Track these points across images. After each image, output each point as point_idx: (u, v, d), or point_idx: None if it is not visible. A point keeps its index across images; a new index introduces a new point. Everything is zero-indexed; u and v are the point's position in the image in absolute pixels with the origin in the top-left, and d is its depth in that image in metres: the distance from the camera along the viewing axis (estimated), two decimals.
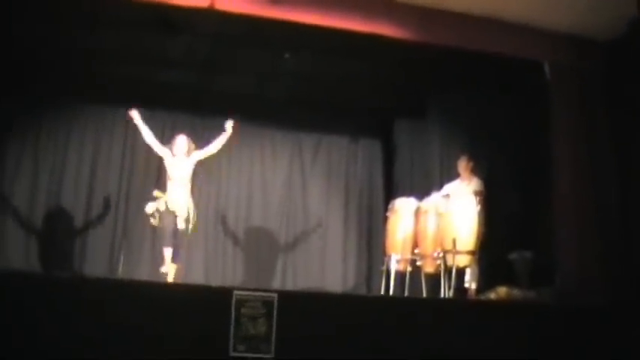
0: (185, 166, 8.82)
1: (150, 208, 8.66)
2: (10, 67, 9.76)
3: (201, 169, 9.81)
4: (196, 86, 10.67)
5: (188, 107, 10.97)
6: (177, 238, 8.62)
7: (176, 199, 8.62)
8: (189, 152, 8.90)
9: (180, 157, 8.83)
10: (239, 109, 10.93)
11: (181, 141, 8.92)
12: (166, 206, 8.58)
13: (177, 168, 8.79)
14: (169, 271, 8.48)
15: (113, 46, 9.49)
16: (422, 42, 7.98)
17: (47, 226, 10.25)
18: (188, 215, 8.68)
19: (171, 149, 8.91)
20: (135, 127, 10.66)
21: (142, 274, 9.98)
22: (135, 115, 9.03)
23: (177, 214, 8.57)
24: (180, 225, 8.59)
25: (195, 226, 8.87)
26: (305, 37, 8.58)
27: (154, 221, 8.70)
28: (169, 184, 8.77)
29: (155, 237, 10.08)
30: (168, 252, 8.52)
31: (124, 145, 10.82)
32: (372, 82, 10.51)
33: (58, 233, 10.25)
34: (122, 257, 10.34)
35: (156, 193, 8.71)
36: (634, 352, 6.51)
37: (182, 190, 8.72)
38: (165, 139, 10.69)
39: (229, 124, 9.14)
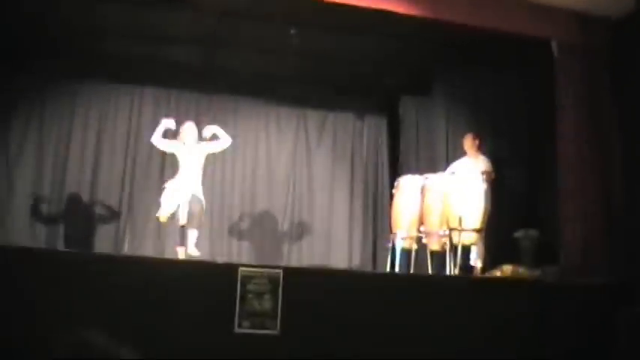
0: (196, 154, 8.69)
1: (163, 216, 8.50)
2: (13, 46, 9.74)
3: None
4: (201, 63, 10.63)
5: (193, 84, 10.93)
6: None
7: (187, 188, 8.48)
8: (198, 138, 8.78)
9: (190, 145, 8.68)
10: (244, 86, 10.95)
11: (190, 129, 8.77)
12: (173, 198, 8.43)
13: (188, 157, 8.64)
14: (193, 253, 8.40)
15: (116, 23, 9.45)
16: (429, 18, 7.92)
17: (53, 205, 10.26)
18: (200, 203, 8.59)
19: (179, 138, 8.77)
20: (140, 107, 10.71)
21: (147, 252, 10.00)
22: (167, 123, 8.83)
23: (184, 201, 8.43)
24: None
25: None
26: (311, 13, 8.55)
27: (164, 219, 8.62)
28: (181, 173, 8.62)
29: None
30: (193, 234, 8.42)
31: (128, 123, 10.80)
32: (378, 59, 10.47)
33: (64, 213, 10.27)
34: (127, 235, 10.37)
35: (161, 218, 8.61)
36: (636, 329, 6.52)
37: (194, 178, 8.60)
38: (170, 118, 10.72)
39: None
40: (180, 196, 8.37)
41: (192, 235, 8.44)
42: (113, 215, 10.42)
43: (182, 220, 8.35)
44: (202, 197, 8.58)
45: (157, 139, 8.76)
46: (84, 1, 8.84)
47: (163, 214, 8.39)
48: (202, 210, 8.62)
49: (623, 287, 6.97)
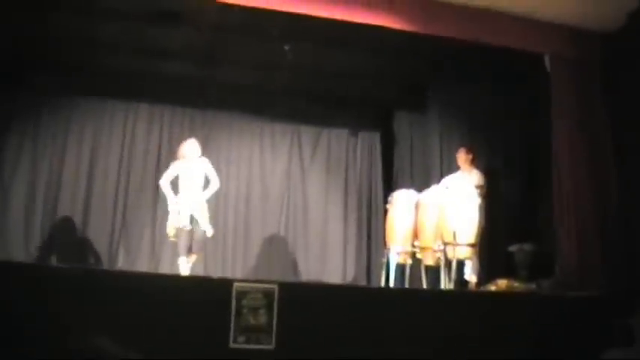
0: (198, 170, 8.73)
1: (171, 230, 8.58)
2: (8, 59, 9.73)
3: None
4: (195, 78, 10.63)
5: (187, 100, 10.94)
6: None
7: (190, 204, 8.52)
8: (200, 155, 8.84)
9: (192, 162, 8.74)
10: (238, 101, 10.96)
11: (192, 145, 8.83)
12: (182, 218, 8.49)
13: (190, 173, 8.68)
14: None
15: (111, 39, 9.47)
16: (422, 33, 7.96)
17: (47, 219, 10.23)
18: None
19: (180, 154, 8.83)
20: (134, 122, 10.72)
21: (142, 266, 9.98)
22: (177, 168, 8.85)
23: (194, 218, 8.51)
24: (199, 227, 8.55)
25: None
26: (305, 29, 8.58)
27: (173, 239, 8.65)
28: (182, 189, 8.66)
29: (154, 229, 10.12)
30: (183, 262, 8.44)
31: (122, 138, 10.80)
32: (372, 74, 10.51)
33: (58, 226, 10.23)
34: (121, 251, 10.35)
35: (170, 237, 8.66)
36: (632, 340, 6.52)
37: (196, 193, 8.64)
38: (164, 133, 10.73)
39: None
40: (185, 213, 8.44)
41: (190, 259, 8.51)
42: (107, 227, 10.39)
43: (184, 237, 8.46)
44: (206, 214, 8.62)
45: (164, 183, 8.78)
46: (77, 16, 8.85)
47: (171, 233, 8.50)
48: (204, 234, 8.64)
49: (618, 299, 6.97)
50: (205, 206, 8.68)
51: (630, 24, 7.97)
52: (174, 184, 8.80)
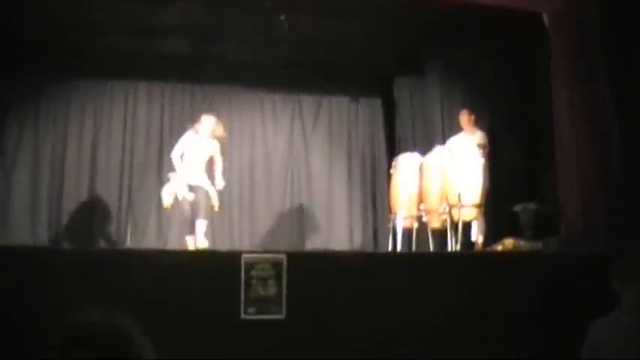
0: (205, 148, 8.74)
1: (167, 199, 8.58)
2: (6, 46, 9.72)
3: None
4: (193, 54, 10.62)
5: (186, 76, 10.92)
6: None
7: (193, 179, 8.54)
8: (213, 133, 8.81)
9: (203, 138, 8.73)
10: (237, 75, 10.95)
11: (208, 121, 8.81)
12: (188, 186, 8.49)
13: (198, 148, 8.69)
14: (202, 244, 8.44)
15: (105, 18, 9.44)
16: None
17: (53, 204, 10.27)
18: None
19: (194, 127, 8.82)
20: (135, 100, 10.73)
21: (150, 245, 10.03)
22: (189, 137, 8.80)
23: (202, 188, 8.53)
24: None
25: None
26: None
27: (168, 207, 8.68)
28: (186, 163, 8.64)
29: (161, 207, 10.12)
30: (202, 225, 8.45)
31: (124, 117, 10.83)
32: (369, 41, 10.47)
33: (64, 209, 10.27)
34: (129, 229, 10.39)
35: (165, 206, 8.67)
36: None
37: (199, 168, 8.65)
38: (165, 111, 10.73)
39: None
40: (184, 185, 8.44)
41: (202, 225, 8.47)
42: (114, 208, 10.44)
43: (186, 209, 8.46)
44: (209, 187, 8.60)
45: (175, 155, 8.73)
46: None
47: (167, 202, 8.46)
48: (209, 199, 8.61)
49: (621, 257, 6.99)
50: (206, 182, 8.66)
51: None
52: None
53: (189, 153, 8.65)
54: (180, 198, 8.45)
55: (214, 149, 8.82)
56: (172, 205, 8.55)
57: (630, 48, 7.87)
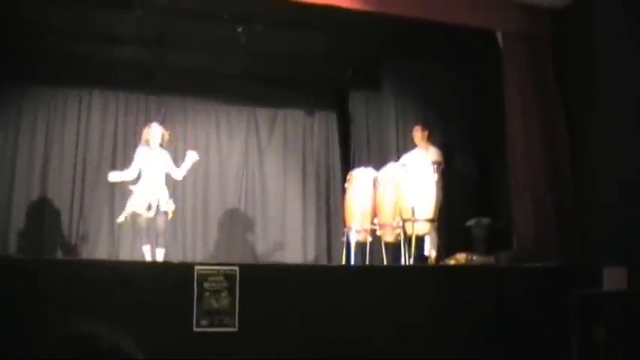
0: (159, 159, 8.61)
1: (124, 215, 8.42)
2: None
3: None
4: (149, 63, 10.53)
5: (142, 85, 10.81)
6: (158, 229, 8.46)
7: (152, 191, 8.38)
8: (164, 141, 8.70)
9: (155, 148, 8.61)
10: (193, 85, 10.90)
11: (155, 130, 8.69)
12: (140, 205, 8.32)
13: (153, 159, 8.55)
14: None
15: (61, 23, 9.30)
16: (374, 12, 7.97)
17: (2, 211, 10.07)
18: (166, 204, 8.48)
19: (144, 140, 8.68)
20: (88, 108, 10.59)
21: (101, 255, 9.91)
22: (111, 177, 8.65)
23: (153, 205, 8.33)
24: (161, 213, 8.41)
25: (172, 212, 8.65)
26: (257, 11, 8.56)
27: (123, 223, 8.56)
28: (144, 176, 8.49)
29: (113, 217, 9.99)
30: (147, 250, 8.33)
31: (77, 124, 10.65)
32: (325, 54, 10.50)
33: (13, 218, 10.08)
34: (80, 238, 10.25)
35: (121, 219, 8.53)
36: (585, 310, 6.70)
37: (158, 180, 8.51)
38: (119, 120, 10.63)
39: (193, 155, 8.83)
40: (147, 199, 8.31)
41: (160, 254, 8.41)
42: (65, 218, 10.28)
43: (141, 221, 8.33)
44: (169, 203, 8.50)
45: (114, 176, 8.62)
46: (25, 2, 8.70)
47: (122, 219, 8.41)
48: (167, 223, 8.56)
49: (574, 270, 7.13)
50: (167, 196, 8.56)
51: (580, 0, 8.09)
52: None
53: (147, 168, 8.50)
54: (140, 212, 8.31)
55: (167, 158, 8.73)
56: (128, 219, 8.42)
57: (581, 66, 8.02)
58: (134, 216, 8.36)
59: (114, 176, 8.57)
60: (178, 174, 8.77)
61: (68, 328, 1.46)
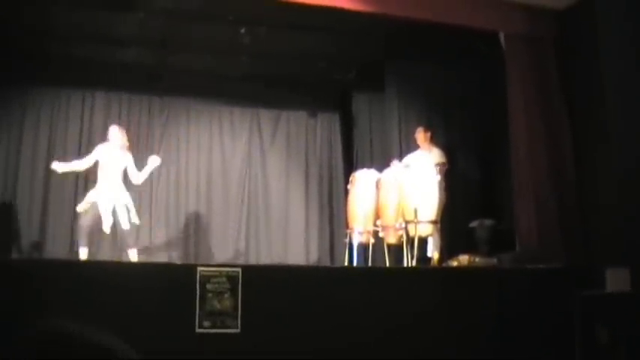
0: (120, 160, 8.56)
1: (82, 207, 8.40)
2: None
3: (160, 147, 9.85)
4: (152, 65, 10.54)
5: (145, 86, 10.83)
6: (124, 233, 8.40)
7: (110, 193, 8.35)
8: (123, 144, 8.66)
9: (115, 150, 8.57)
10: (196, 86, 10.91)
11: (115, 133, 8.67)
12: (96, 203, 8.28)
13: (111, 161, 8.51)
14: None
15: (65, 26, 9.32)
16: (378, 13, 7.98)
17: (5, 212, 10.08)
18: (127, 206, 8.42)
19: (107, 142, 8.68)
20: (91, 110, 10.60)
21: (104, 256, 9.89)
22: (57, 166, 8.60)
23: (110, 207, 8.28)
24: (123, 219, 8.32)
25: (135, 214, 8.59)
26: (260, 12, 8.57)
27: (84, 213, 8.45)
28: (102, 176, 8.47)
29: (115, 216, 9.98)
30: (84, 252, 8.24)
31: (80, 126, 10.68)
32: (328, 56, 10.51)
33: (17, 218, 10.09)
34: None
35: (80, 208, 8.49)
36: (588, 311, 6.68)
37: (117, 182, 8.48)
38: (122, 122, 10.63)
39: (155, 160, 8.80)
40: (104, 204, 8.25)
41: (133, 254, 8.38)
42: (67, 218, 10.27)
43: (106, 228, 8.25)
44: (130, 206, 8.45)
45: (78, 164, 8.66)
46: (29, 4, 8.72)
47: (82, 208, 8.37)
48: (131, 225, 8.46)
49: (577, 271, 7.12)
50: (129, 196, 8.55)
51: (583, 1, 8.08)
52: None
53: (105, 167, 8.48)
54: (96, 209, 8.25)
55: (128, 160, 8.66)
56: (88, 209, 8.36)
57: (584, 66, 8.01)
58: (94, 207, 8.30)
59: (60, 166, 8.56)
60: (138, 178, 8.69)
61: (62, 329, 1.45)
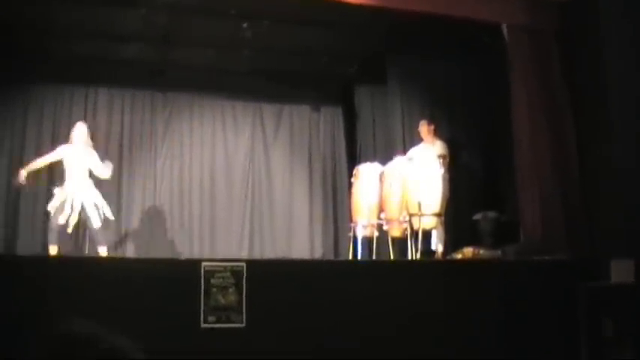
0: (84, 158, 8.50)
1: (52, 206, 8.37)
2: None
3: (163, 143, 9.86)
4: (154, 60, 10.53)
5: (147, 82, 10.82)
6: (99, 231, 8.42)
7: (79, 192, 8.33)
8: (86, 142, 8.62)
9: (79, 147, 8.53)
10: (198, 82, 10.90)
11: (81, 130, 8.66)
12: (65, 202, 8.27)
13: (77, 158, 8.46)
14: None
15: (66, 22, 9.31)
16: (380, 7, 7.97)
17: (9, 209, 10.09)
18: (96, 205, 8.41)
19: (70, 139, 8.65)
20: (94, 106, 10.58)
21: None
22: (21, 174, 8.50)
23: (78, 206, 8.27)
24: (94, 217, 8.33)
25: (109, 210, 8.60)
26: (263, 7, 8.55)
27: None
28: (68, 176, 8.44)
29: (117, 215, 9.99)
30: (54, 250, 8.23)
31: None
32: (331, 50, 10.50)
33: (20, 215, 10.09)
34: (86, 237, 10.24)
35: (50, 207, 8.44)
36: (593, 303, 6.69)
37: (84, 180, 8.44)
38: (126, 118, 10.63)
39: (108, 167, 8.74)
40: (72, 203, 8.25)
41: (103, 251, 8.40)
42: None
43: (70, 226, 8.29)
44: (100, 204, 8.44)
45: (43, 160, 8.65)
46: (31, 3, 8.71)
47: (54, 207, 8.33)
48: (101, 222, 8.43)
49: (582, 263, 7.11)
50: (98, 194, 8.53)
51: None
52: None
53: (69, 167, 8.44)
54: (66, 210, 8.24)
55: (93, 158, 8.61)
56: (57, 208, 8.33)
57: (587, 58, 8.00)
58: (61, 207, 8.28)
59: (22, 172, 8.48)
60: (104, 172, 8.65)
61: (69, 327, 1.45)
